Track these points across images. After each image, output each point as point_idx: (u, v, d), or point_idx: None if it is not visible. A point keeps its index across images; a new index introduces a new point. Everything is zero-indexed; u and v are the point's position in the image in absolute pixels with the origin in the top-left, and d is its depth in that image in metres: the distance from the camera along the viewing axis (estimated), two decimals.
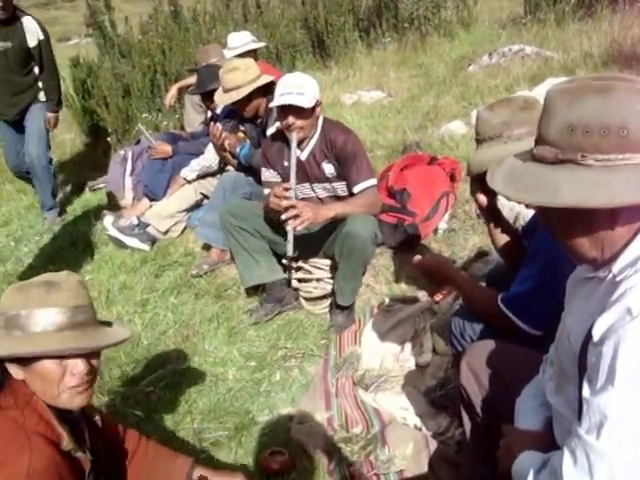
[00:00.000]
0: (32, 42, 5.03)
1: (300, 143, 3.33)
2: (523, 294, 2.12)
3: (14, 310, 1.56)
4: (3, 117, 5.32)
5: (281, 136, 3.40)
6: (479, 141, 2.20)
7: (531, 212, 3.51)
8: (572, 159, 1.22)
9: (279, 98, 3.20)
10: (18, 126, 5.34)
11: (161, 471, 1.99)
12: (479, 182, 2.12)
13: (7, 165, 5.63)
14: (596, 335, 1.22)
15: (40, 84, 5.22)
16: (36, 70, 5.19)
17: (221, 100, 4.11)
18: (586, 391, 1.23)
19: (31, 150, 5.26)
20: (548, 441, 1.52)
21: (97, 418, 1.84)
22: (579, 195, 1.19)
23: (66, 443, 1.55)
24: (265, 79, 3.92)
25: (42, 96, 5.25)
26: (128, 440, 2.00)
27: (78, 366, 1.57)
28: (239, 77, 3.89)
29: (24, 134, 5.31)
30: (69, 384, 1.57)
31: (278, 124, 3.58)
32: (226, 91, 3.96)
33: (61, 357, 1.55)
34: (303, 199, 3.42)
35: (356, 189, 3.29)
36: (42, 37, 5.08)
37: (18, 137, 5.37)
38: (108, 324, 1.75)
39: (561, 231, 1.32)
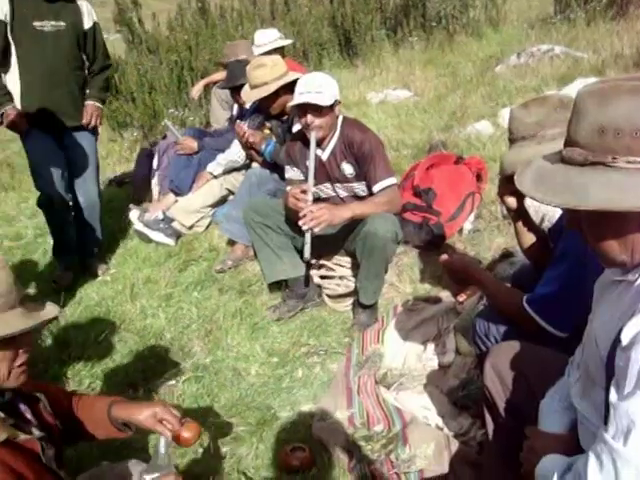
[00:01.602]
0: (88, 23, 3.99)
1: (321, 143, 3.33)
2: (548, 295, 2.10)
3: None
4: (41, 127, 3.94)
5: (304, 135, 3.39)
6: (512, 140, 2.17)
7: (557, 213, 3.48)
8: (602, 161, 1.20)
9: (298, 97, 3.21)
10: (58, 143, 4.06)
11: (86, 419, 1.92)
12: (509, 183, 2.10)
13: (45, 195, 4.03)
14: (625, 339, 1.20)
15: (90, 86, 4.12)
16: (86, 70, 4.12)
17: (248, 97, 4.12)
18: (613, 396, 1.22)
19: (87, 188, 4.22)
20: (572, 445, 1.50)
21: (39, 394, 1.73)
22: (609, 198, 1.17)
23: None
24: (292, 76, 3.92)
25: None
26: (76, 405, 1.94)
27: (28, 345, 1.56)
28: (266, 74, 3.90)
29: (63, 157, 4.07)
30: (19, 364, 1.54)
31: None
32: (252, 88, 3.97)
33: (13, 338, 1.50)
34: (325, 199, 3.42)
35: (375, 188, 3.27)
36: (95, 18, 4.08)
37: (60, 159, 4.05)
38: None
39: (590, 234, 1.30)
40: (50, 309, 1.63)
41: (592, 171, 1.21)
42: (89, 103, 4.09)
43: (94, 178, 4.28)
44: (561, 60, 6.43)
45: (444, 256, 2.53)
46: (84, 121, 4.05)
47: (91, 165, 4.19)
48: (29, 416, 1.63)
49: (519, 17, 8.91)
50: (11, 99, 3.84)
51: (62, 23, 3.84)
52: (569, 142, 1.27)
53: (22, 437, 1.52)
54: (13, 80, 3.85)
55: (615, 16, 7.43)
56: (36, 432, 1.59)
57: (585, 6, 7.66)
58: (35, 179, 4.05)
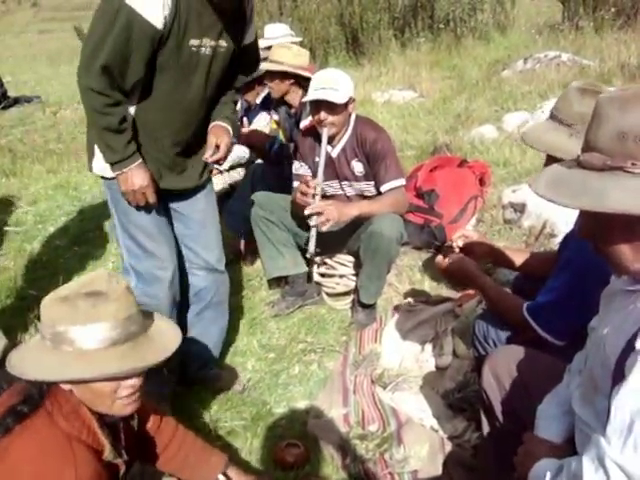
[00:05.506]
0: (250, 36, 2.57)
1: (332, 140, 3.31)
2: (548, 304, 2.10)
3: (62, 325, 1.45)
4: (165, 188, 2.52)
5: (314, 131, 3.38)
6: (551, 115, 2.10)
7: (560, 220, 3.48)
8: (621, 167, 1.19)
9: (313, 93, 3.19)
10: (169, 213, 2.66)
11: (192, 465, 1.96)
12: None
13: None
14: (639, 345, 1.20)
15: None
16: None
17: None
18: (616, 394, 1.22)
19: (213, 267, 2.81)
20: (568, 451, 1.50)
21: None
22: (626, 202, 1.17)
23: (107, 453, 1.51)
24: (305, 74, 3.88)
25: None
26: (163, 429, 1.94)
27: (133, 381, 1.53)
28: (287, 56, 3.84)
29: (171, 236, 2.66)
30: (123, 396, 1.53)
31: (311, 118, 3.57)
32: (269, 62, 3.87)
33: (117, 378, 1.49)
34: (332, 196, 3.41)
35: (383, 188, 3.26)
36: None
37: (170, 245, 2.63)
38: (151, 320, 1.65)
39: (603, 241, 1.29)
40: (158, 346, 1.60)
41: (610, 176, 1.20)
42: (217, 124, 2.57)
43: (219, 248, 2.85)
44: (567, 67, 6.44)
45: (439, 258, 2.51)
46: (207, 155, 2.50)
47: (215, 229, 2.81)
48: (122, 436, 1.66)
49: (527, 22, 8.94)
50: (137, 151, 2.40)
51: (224, 44, 2.42)
52: (587, 147, 1.27)
53: (117, 460, 1.57)
54: (142, 115, 2.42)
55: (623, 25, 7.45)
56: (124, 455, 1.62)
57: (594, 14, 7.68)
58: (146, 278, 2.56)
